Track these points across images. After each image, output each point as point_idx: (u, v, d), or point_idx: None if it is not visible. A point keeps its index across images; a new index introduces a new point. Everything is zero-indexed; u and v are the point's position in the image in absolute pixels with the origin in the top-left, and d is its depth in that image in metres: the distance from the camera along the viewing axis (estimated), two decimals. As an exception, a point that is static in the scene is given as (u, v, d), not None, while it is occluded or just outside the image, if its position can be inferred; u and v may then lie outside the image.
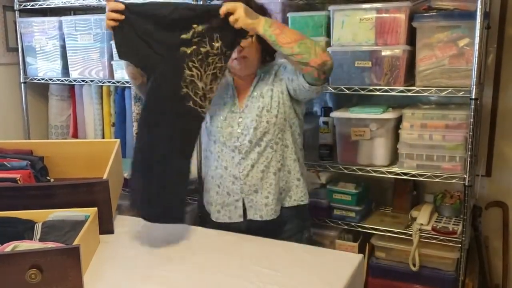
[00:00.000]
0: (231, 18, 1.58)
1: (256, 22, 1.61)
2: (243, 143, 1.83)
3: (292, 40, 1.63)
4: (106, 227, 1.78)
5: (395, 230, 2.22)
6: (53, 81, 2.97)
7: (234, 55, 1.74)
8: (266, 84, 1.85)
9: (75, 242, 1.45)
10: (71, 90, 3.13)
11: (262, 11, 1.77)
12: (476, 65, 1.93)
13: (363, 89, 2.15)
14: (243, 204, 1.87)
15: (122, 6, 1.59)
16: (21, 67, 3.02)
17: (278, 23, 1.73)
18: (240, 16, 1.58)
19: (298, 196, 1.91)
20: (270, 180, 1.84)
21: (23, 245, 1.46)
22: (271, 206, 1.84)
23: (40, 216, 1.68)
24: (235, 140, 1.84)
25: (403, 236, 2.20)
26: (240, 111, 1.86)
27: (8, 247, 1.45)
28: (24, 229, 1.62)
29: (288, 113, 1.84)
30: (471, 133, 1.98)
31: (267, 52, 1.84)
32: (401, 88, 2.09)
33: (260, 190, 1.85)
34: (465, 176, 2.03)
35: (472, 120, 1.97)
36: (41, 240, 1.58)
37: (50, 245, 1.48)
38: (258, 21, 1.62)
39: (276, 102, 1.82)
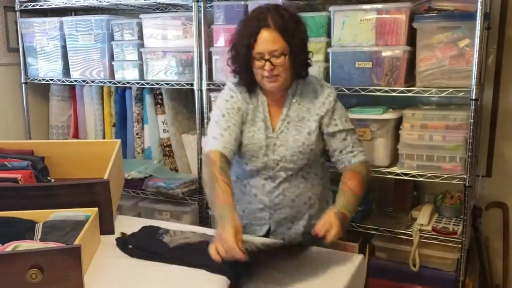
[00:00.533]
0: (328, 238, 1.51)
1: (347, 219, 1.60)
2: (278, 173, 1.77)
3: (363, 192, 1.71)
4: (106, 227, 1.79)
5: (396, 230, 2.22)
6: (54, 81, 2.97)
7: (265, 73, 1.66)
8: (302, 110, 1.76)
9: (76, 242, 1.45)
10: (71, 91, 3.13)
11: (296, 22, 1.68)
12: (476, 66, 1.93)
13: (363, 90, 2.15)
14: (269, 228, 1.84)
15: (242, 256, 1.35)
16: (22, 67, 3.02)
17: (355, 199, 1.66)
18: (338, 234, 1.53)
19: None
20: (299, 208, 1.81)
21: (24, 245, 1.47)
22: (298, 232, 1.82)
23: (41, 216, 1.68)
24: (270, 170, 1.78)
25: (404, 237, 2.20)
26: (274, 136, 1.76)
27: (9, 247, 1.45)
28: (25, 229, 1.63)
29: (320, 144, 1.80)
30: (471, 133, 1.98)
31: (299, 70, 1.74)
32: (402, 88, 2.09)
33: (288, 218, 1.82)
34: (465, 176, 2.03)
35: (472, 120, 1.97)
36: (42, 240, 1.58)
37: (50, 245, 1.48)
38: (348, 218, 1.60)
39: (312, 134, 1.75)
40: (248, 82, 1.76)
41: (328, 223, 1.53)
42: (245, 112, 1.77)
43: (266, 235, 1.84)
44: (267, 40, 1.62)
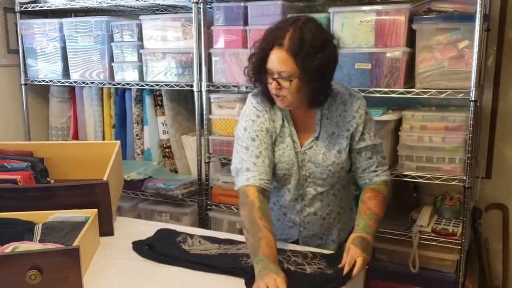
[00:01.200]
0: (355, 272, 1.47)
1: (371, 244, 1.58)
2: (308, 189, 1.72)
3: (383, 212, 1.67)
4: (106, 228, 1.79)
5: (395, 231, 2.22)
6: (53, 82, 2.97)
7: (273, 90, 1.56)
8: (331, 124, 1.67)
9: (75, 243, 1.46)
10: (71, 92, 3.13)
11: (315, 46, 1.50)
12: (475, 67, 1.93)
13: (363, 91, 2.14)
14: (297, 241, 1.82)
15: None
16: (21, 68, 3.02)
17: (375, 221, 1.63)
18: (364, 262, 1.51)
19: (350, 226, 1.82)
20: (329, 225, 1.79)
21: (23, 246, 1.47)
22: (326, 246, 1.80)
23: (40, 217, 1.68)
24: (300, 188, 1.72)
25: (403, 238, 2.20)
26: (302, 152, 1.68)
27: (8, 248, 1.45)
28: (24, 230, 1.63)
29: (349, 161, 1.73)
30: (470, 135, 1.99)
31: (314, 97, 1.59)
32: (401, 90, 2.09)
33: (317, 235, 1.80)
34: (464, 178, 2.03)
35: (471, 122, 1.97)
36: (41, 241, 1.59)
37: (50, 246, 1.48)
38: (371, 242, 1.58)
39: (342, 152, 1.68)
40: (265, 92, 1.65)
41: (351, 258, 1.49)
42: (273, 132, 1.68)
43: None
44: (277, 60, 1.51)
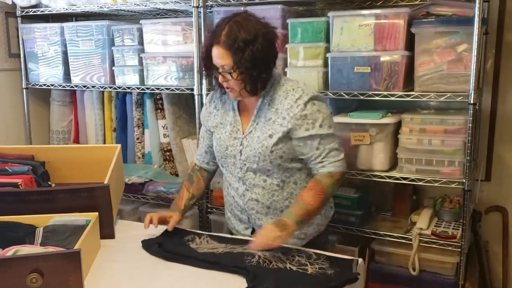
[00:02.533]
0: (256, 243, 1.59)
1: (292, 229, 1.61)
2: (246, 174, 1.79)
3: (318, 203, 1.69)
4: (107, 231, 1.79)
5: (395, 234, 2.22)
6: (54, 86, 2.98)
7: (221, 83, 1.73)
8: (271, 111, 1.74)
9: (76, 247, 1.46)
10: (72, 96, 3.15)
11: (262, 25, 1.68)
12: (474, 70, 1.93)
13: (362, 94, 2.16)
14: (253, 230, 1.86)
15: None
16: (23, 73, 3.03)
17: (305, 210, 1.66)
18: (278, 243, 1.58)
19: (313, 230, 1.84)
20: (276, 217, 1.77)
21: (24, 250, 1.47)
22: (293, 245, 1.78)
23: (41, 220, 1.69)
24: (239, 171, 1.80)
25: (403, 241, 2.21)
26: (242, 137, 1.78)
27: (9, 252, 1.46)
28: (25, 234, 1.64)
29: (288, 150, 1.74)
30: (469, 138, 1.99)
31: (253, 86, 1.70)
32: (400, 93, 2.10)
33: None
34: (464, 180, 2.03)
35: (470, 125, 1.98)
36: (42, 244, 1.59)
37: (51, 249, 1.49)
38: (292, 228, 1.61)
39: (273, 136, 1.72)
40: (219, 85, 1.79)
41: (258, 234, 1.61)
42: (212, 117, 1.88)
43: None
44: (216, 56, 1.67)
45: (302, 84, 1.78)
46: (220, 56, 1.65)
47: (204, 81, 2.47)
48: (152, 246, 1.72)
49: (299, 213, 1.65)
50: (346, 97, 2.19)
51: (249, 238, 1.81)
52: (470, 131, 1.99)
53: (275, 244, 1.57)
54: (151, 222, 1.81)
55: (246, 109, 1.82)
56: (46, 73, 2.99)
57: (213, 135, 1.88)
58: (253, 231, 1.87)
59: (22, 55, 3.02)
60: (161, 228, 1.90)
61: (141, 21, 2.66)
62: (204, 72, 1.83)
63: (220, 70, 1.69)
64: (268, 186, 1.78)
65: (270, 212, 1.81)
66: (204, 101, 2.48)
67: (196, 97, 2.50)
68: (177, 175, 2.83)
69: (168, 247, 1.70)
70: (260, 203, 1.80)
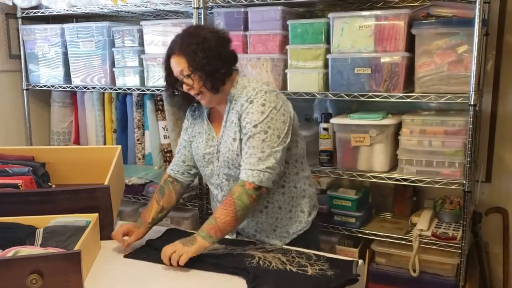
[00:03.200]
0: (177, 262, 1.57)
1: (199, 245, 1.59)
2: (222, 181, 1.79)
3: (232, 222, 1.63)
4: (107, 232, 1.79)
5: (395, 235, 2.22)
6: (55, 88, 2.99)
7: (189, 92, 1.73)
8: (233, 113, 1.74)
9: (76, 248, 1.46)
10: (73, 97, 3.15)
11: (212, 29, 1.76)
12: (474, 72, 1.94)
13: (362, 96, 2.16)
14: (236, 235, 1.87)
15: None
16: (23, 74, 3.04)
17: (214, 225, 1.62)
18: (180, 255, 1.56)
19: (296, 228, 1.82)
20: (256, 218, 1.79)
21: (25, 251, 1.48)
22: (264, 241, 1.80)
23: (42, 221, 1.69)
24: (216, 178, 1.81)
25: (403, 242, 2.21)
26: (217, 143, 1.78)
27: (10, 253, 1.46)
28: (26, 235, 1.64)
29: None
30: (470, 139, 1.99)
31: (214, 84, 1.70)
32: (401, 94, 2.10)
33: (246, 229, 1.83)
34: (464, 181, 2.03)
35: (471, 126, 1.98)
36: (42, 245, 1.59)
37: (51, 250, 1.49)
38: (200, 243, 1.59)
39: (236, 139, 1.71)
40: (186, 100, 1.83)
41: (168, 250, 1.59)
42: (190, 128, 1.90)
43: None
44: (174, 64, 1.72)
45: (260, 83, 1.75)
46: (177, 63, 1.70)
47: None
48: (138, 257, 1.70)
49: (209, 228, 1.62)
50: (347, 98, 2.20)
51: (249, 240, 1.82)
52: (470, 132, 1.99)
53: (175, 259, 1.56)
54: (114, 238, 1.76)
55: (219, 116, 1.82)
56: (47, 74, 2.99)
57: (192, 145, 1.88)
58: (237, 235, 1.86)
59: (22, 56, 3.02)
60: (161, 230, 1.91)
61: (141, 22, 2.67)
62: (169, 94, 1.85)
63: (181, 78, 1.72)
64: None
65: (250, 213, 1.75)
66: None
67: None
68: (177, 176, 2.82)
69: (156, 255, 1.65)
70: None
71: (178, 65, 1.70)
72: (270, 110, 1.66)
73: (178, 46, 1.71)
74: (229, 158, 1.73)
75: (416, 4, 2.25)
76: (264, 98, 1.67)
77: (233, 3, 2.38)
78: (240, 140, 1.71)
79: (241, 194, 1.62)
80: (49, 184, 2.07)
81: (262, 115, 1.65)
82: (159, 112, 2.80)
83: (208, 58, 1.68)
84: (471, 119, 1.97)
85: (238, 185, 1.64)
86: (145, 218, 1.83)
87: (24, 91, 3.06)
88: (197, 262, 1.59)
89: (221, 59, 1.72)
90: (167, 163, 2.83)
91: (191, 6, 2.45)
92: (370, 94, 2.15)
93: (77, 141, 3.15)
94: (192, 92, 1.73)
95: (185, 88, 1.73)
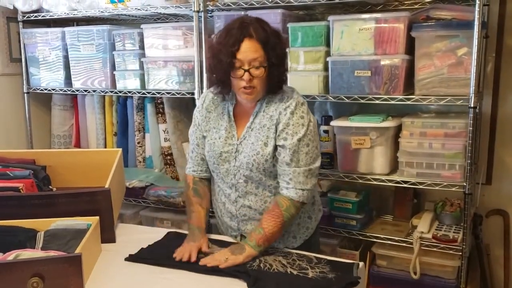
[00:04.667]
0: (220, 266, 1.58)
1: (247, 253, 1.61)
2: (239, 181, 1.76)
3: (278, 233, 1.68)
4: (108, 235, 1.79)
5: (396, 238, 2.22)
6: (55, 91, 2.99)
7: (243, 83, 1.66)
8: (265, 117, 1.73)
9: (77, 251, 1.46)
10: (73, 100, 3.15)
11: (277, 36, 1.70)
12: (474, 74, 1.94)
13: (362, 98, 2.17)
14: (241, 238, 1.84)
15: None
16: (24, 77, 3.04)
17: (262, 235, 1.65)
18: (226, 261, 1.58)
19: (303, 234, 1.85)
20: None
21: (26, 254, 1.48)
22: (273, 247, 1.76)
23: (42, 225, 1.69)
24: (232, 177, 1.78)
25: (404, 244, 2.21)
26: (237, 143, 1.76)
27: (11, 256, 1.46)
28: (27, 238, 1.64)
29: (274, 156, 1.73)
30: (470, 141, 1.99)
31: (275, 84, 1.72)
32: (401, 97, 2.10)
33: None
34: (465, 184, 2.03)
35: (471, 128, 1.98)
36: (43, 248, 1.59)
37: (52, 253, 1.49)
38: (248, 251, 1.62)
39: (268, 144, 1.71)
40: (226, 91, 1.77)
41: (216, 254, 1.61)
42: (204, 122, 1.83)
43: None
44: (249, 49, 1.63)
45: (291, 91, 1.77)
46: (253, 49, 1.63)
47: (204, 85, 2.48)
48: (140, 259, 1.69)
49: (258, 238, 1.64)
50: (347, 101, 2.20)
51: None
52: (470, 135, 1.99)
53: (223, 265, 1.57)
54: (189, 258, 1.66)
55: (241, 114, 1.79)
56: (47, 77, 3.00)
57: (205, 140, 1.84)
58: (241, 238, 1.84)
59: (23, 60, 3.03)
60: (163, 231, 1.91)
61: (142, 26, 2.67)
62: (214, 76, 1.75)
63: (247, 66, 1.64)
64: (260, 193, 1.77)
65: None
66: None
67: (196, 101, 2.51)
68: (178, 179, 2.83)
69: (157, 260, 1.66)
70: (252, 210, 1.78)
71: (255, 52, 1.63)
72: (307, 123, 1.71)
73: (258, 33, 1.64)
74: (255, 161, 1.71)
75: (416, 6, 2.26)
76: (302, 110, 1.72)
77: (233, 6, 2.38)
78: (274, 146, 1.70)
79: (289, 207, 1.68)
80: (50, 187, 2.07)
81: (302, 127, 1.69)
82: (160, 115, 2.81)
83: (282, 58, 1.71)
84: (471, 121, 1.97)
85: (285, 198, 1.69)
86: (200, 224, 1.78)
87: (25, 94, 3.06)
88: (198, 265, 1.59)
89: (286, 60, 1.75)
90: (168, 166, 2.84)
91: (191, 10, 2.45)
92: (370, 96, 2.15)
93: (77, 144, 3.15)
94: (247, 83, 1.65)
95: (246, 76, 1.64)
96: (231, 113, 1.79)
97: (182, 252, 1.66)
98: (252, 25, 1.66)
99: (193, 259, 1.62)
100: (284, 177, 1.70)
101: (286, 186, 1.69)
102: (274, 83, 1.71)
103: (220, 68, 1.69)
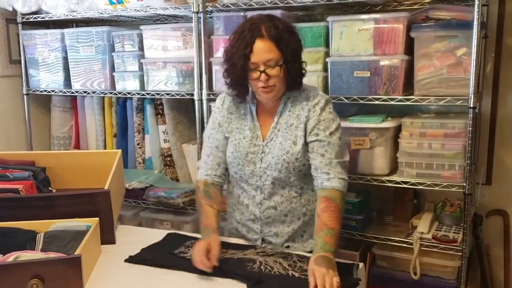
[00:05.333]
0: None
1: (333, 262, 1.50)
2: (266, 183, 1.74)
3: (338, 223, 1.62)
4: (107, 237, 1.79)
5: (396, 238, 2.22)
6: (55, 92, 2.99)
7: (260, 83, 1.64)
8: (292, 116, 1.73)
9: (77, 252, 1.46)
10: (73, 102, 3.15)
11: (290, 31, 1.68)
12: (474, 74, 1.94)
13: (362, 99, 2.17)
14: (262, 241, 1.82)
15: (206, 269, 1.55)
16: (23, 79, 3.04)
17: (333, 235, 1.57)
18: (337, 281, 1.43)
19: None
20: (293, 225, 1.77)
21: (25, 256, 1.48)
22: (291, 249, 1.77)
23: (42, 226, 1.69)
24: (257, 179, 1.75)
25: (404, 245, 2.20)
26: (263, 144, 1.74)
27: (10, 258, 1.46)
28: (26, 240, 1.64)
29: (304, 155, 1.72)
30: (470, 141, 1.99)
31: (294, 80, 1.71)
32: (400, 97, 2.10)
33: (281, 234, 1.79)
34: (464, 184, 2.03)
35: (470, 128, 1.98)
36: (43, 250, 1.59)
37: (51, 255, 1.49)
38: (333, 259, 1.51)
39: (297, 143, 1.71)
40: (243, 93, 1.75)
41: (321, 278, 1.42)
42: (226, 123, 1.81)
43: None
44: (262, 50, 1.62)
45: (314, 88, 1.80)
46: (267, 49, 1.61)
47: (204, 86, 2.48)
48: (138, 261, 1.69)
49: (331, 241, 1.56)
50: (346, 101, 2.20)
51: (249, 244, 1.81)
52: (470, 135, 1.99)
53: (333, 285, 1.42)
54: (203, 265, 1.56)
55: (264, 114, 1.78)
56: (47, 79, 2.99)
57: (229, 141, 1.80)
58: (262, 241, 1.82)
59: (22, 61, 3.03)
60: (163, 233, 1.91)
61: (141, 27, 2.67)
62: (230, 79, 1.72)
63: (262, 68, 1.63)
64: (287, 193, 1.75)
65: (287, 220, 1.78)
66: (205, 105, 2.49)
67: (196, 102, 2.51)
68: (177, 180, 2.83)
69: (155, 260, 1.66)
70: (278, 211, 1.76)
71: (268, 52, 1.61)
72: (336, 118, 1.74)
73: (269, 32, 1.61)
74: (284, 160, 1.70)
75: (415, 7, 2.26)
76: (329, 107, 1.74)
77: (232, 7, 2.39)
78: (304, 144, 1.70)
79: (340, 198, 1.66)
80: (50, 188, 2.07)
81: (333, 122, 1.72)
82: (159, 116, 2.81)
83: (298, 51, 1.68)
84: (471, 122, 1.97)
85: (331, 189, 1.66)
86: (212, 225, 1.70)
87: (25, 96, 3.06)
88: (198, 269, 1.59)
89: (301, 56, 1.72)
90: (167, 167, 2.84)
91: (190, 11, 2.45)
92: (370, 97, 2.15)
93: (77, 146, 3.15)
94: (265, 84, 1.64)
95: (262, 77, 1.63)
96: (254, 113, 1.78)
97: (195, 260, 1.57)
98: (263, 24, 1.64)
99: (204, 260, 1.53)
100: (322, 170, 1.68)
101: (327, 177, 1.67)
102: (293, 78, 1.70)
103: (235, 71, 1.67)
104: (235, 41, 1.67)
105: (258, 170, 1.75)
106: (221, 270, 1.57)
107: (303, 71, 1.75)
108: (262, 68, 1.63)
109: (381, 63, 2.11)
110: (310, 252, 1.70)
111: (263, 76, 1.63)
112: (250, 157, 1.75)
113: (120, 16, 2.83)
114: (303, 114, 1.72)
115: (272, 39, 1.62)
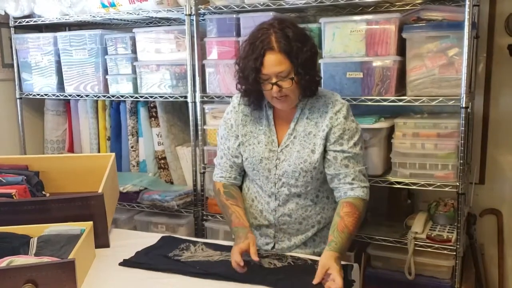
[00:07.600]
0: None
1: (340, 262, 1.53)
2: (281, 190, 1.73)
3: (355, 232, 1.65)
4: (101, 240, 1.79)
5: (390, 239, 2.23)
6: (48, 96, 2.98)
7: (274, 94, 1.63)
8: (310, 124, 1.71)
9: (71, 256, 1.46)
10: (66, 105, 3.15)
11: (301, 40, 1.63)
12: (465, 74, 1.95)
13: (355, 100, 2.17)
14: (274, 245, 1.82)
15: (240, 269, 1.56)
16: (16, 83, 3.03)
17: (345, 238, 1.59)
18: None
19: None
20: (307, 232, 1.77)
21: (19, 260, 1.47)
22: (304, 254, 1.76)
23: (36, 230, 1.69)
24: (272, 186, 1.74)
25: (399, 245, 2.21)
26: (278, 151, 1.73)
27: (4, 262, 1.45)
28: (20, 244, 1.63)
29: (322, 163, 1.71)
30: (462, 141, 2.00)
31: (308, 89, 1.69)
32: (393, 98, 2.11)
33: (294, 240, 1.78)
34: (458, 184, 2.04)
35: (463, 128, 1.99)
36: (36, 254, 1.59)
37: (45, 259, 1.49)
38: (340, 262, 1.54)
39: (316, 151, 1.70)
40: (257, 100, 1.74)
41: (337, 277, 1.45)
42: (241, 125, 1.78)
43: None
44: (273, 63, 1.59)
45: (336, 95, 1.77)
46: (277, 62, 1.59)
47: (197, 89, 2.48)
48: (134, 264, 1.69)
49: (346, 245, 1.61)
50: (339, 102, 2.20)
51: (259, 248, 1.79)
52: (462, 135, 2.00)
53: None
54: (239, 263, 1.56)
55: (280, 119, 1.76)
56: (40, 82, 2.99)
57: (243, 145, 1.78)
58: (273, 247, 1.81)
59: (15, 65, 3.02)
60: (158, 236, 1.91)
61: (134, 30, 2.67)
62: (244, 88, 1.71)
63: (274, 80, 1.61)
64: (302, 201, 1.75)
65: (302, 228, 1.77)
66: (198, 108, 2.49)
67: (189, 104, 2.51)
68: (172, 182, 2.83)
69: (150, 265, 1.66)
70: (292, 219, 1.76)
71: (279, 65, 1.59)
72: (357, 124, 1.75)
73: (279, 44, 1.58)
74: (302, 169, 1.69)
75: (407, 8, 2.27)
76: (351, 113, 1.74)
77: (225, 9, 2.39)
78: (322, 153, 1.69)
79: (363, 207, 1.69)
80: (43, 193, 2.06)
81: (357, 132, 1.73)
82: (153, 119, 2.80)
83: (310, 59, 1.64)
84: (463, 122, 1.98)
85: (356, 198, 1.68)
86: (244, 223, 1.69)
87: (18, 100, 3.05)
88: (192, 269, 1.59)
89: (316, 64, 1.70)
90: (162, 170, 2.83)
91: (183, 13, 2.45)
92: (363, 98, 2.16)
93: (71, 149, 3.14)
94: (278, 94, 1.62)
95: (275, 89, 1.61)
96: (271, 117, 1.76)
97: (234, 262, 1.55)
98: (275, 34, 1.60)
99: (240, 264, 1.53)
100: (345, 179, 1.69)
101: (351, 187, 1.68)
102: (307, 88, 1.67)
103: (248, 82, 1.67)
104: (246, 51, 1.65)
105: (273, 177, 1.73)
106: (217, 272, 1.57)
107: (318, 78, 1.72)
108: (274, 80, 1.61)
109: (374, 64, 2.12)
110: (318, 255, 1.67)
111: (275, 88, 1.62)
112: (265, 163, 1.73)
113: (113, 19, 2.82)
114: (323, 122, 1.70)
115: (283, 51, 1.58)
